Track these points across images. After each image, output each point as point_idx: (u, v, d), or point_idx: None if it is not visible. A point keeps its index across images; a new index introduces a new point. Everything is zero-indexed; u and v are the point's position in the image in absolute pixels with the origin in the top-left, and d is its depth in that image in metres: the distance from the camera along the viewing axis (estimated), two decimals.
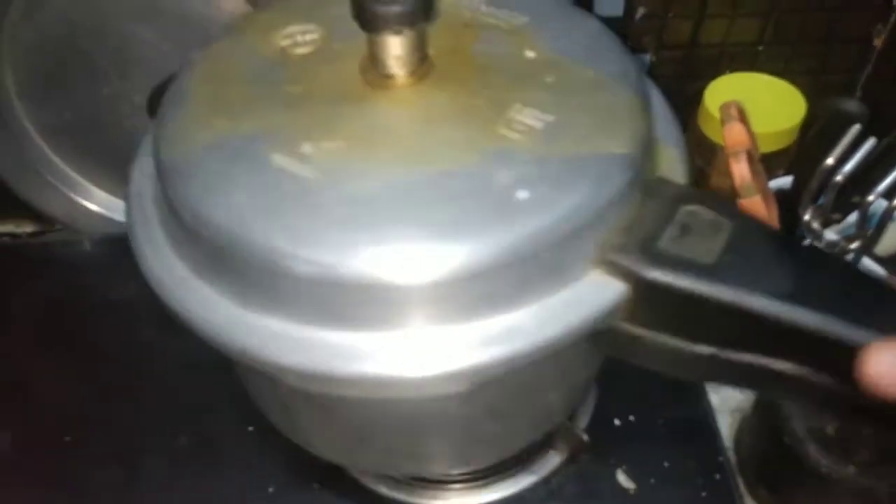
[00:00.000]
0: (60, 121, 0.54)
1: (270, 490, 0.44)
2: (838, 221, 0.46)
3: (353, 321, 0.26)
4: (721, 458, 0.44)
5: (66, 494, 0.45)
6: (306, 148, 0.27)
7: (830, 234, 0.44)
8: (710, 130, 0.52)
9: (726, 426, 0.46)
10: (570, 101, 0.28)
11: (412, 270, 0.25)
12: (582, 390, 0.37)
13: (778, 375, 0.26)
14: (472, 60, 0.30)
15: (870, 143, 0.40)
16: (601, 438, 0.44)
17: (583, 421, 0.45)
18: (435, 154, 0.27)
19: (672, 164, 0.30)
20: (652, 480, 0.43)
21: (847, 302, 0.25)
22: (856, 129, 0.40)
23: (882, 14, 0.56)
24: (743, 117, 0.44)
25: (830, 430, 0.40)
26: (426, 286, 0.25)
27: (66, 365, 0.51)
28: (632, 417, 0.46)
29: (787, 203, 0.45)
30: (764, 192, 0.42)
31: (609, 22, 0.33)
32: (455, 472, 0.41)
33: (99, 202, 0.58)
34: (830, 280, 0.26)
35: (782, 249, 0.26)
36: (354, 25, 0.27)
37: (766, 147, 0.49)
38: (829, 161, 0.40)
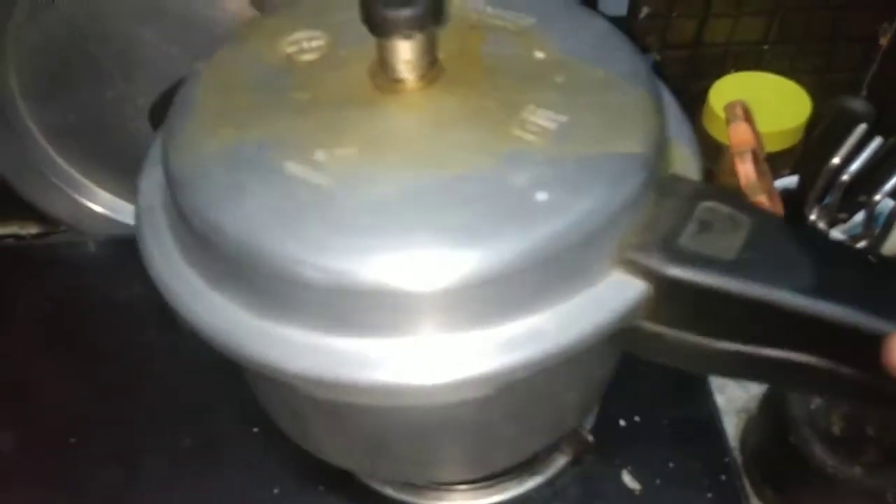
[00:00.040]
0: (64, 122, 0.54)
1: (275, 491, 0.44)
2: (844, 221, 0.45)
3: (373, 329, 0.26)
4: (727, 459, 0.44)
5: (71, 495, 0.45)
6: (319, 155, 0.27)
7: (836, 234, 0.43)
8: (715, 130, 0.52)
9: (732, 426, 0.46)
10: (582, 101, 0.28)
11: (430, 277, 0.25)
12: (599, 392, 0.37)
13: (801, 369, 0.26)
14: (480, 63, 0.30)
15: (876, 143, 0.40)
16: (606, 439, 0.44)
17: (588, 422, 0.45)
18: (448, 158, 0.27)
19: (685, 162, 0.30)
20: (657, 481, 0.43)
21: (870, 293, 0.25)
22: (862, 128, 0.40)
23: (888, 13, 0.56)
24: (748, 117, 0.43)
25: (837, 430, 0.40)
26: (444, 292, 0.25)
27: (71, 366, 0.51)
28: (637, 418, 0.46)
29: (793, 203, 0.45)
30: (769, 191, 0.42)
31: (613, 22, 0.33)
32: (468, 477, 0.41)
33: (103, 203, 0.58)
34: (852, 272, 0.26)
35: (802, 243, 0.26)
36: (360, 31, 0.27)
37: (772, 146, 0.49)
38: (835, 161, 0.40)
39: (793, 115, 0.52)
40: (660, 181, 0.28)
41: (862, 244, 0.42)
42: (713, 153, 0.53)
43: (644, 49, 0.58)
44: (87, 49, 0.50)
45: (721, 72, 0.56)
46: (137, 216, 0.31)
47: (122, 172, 0.56)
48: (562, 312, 0.26)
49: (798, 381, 0.27)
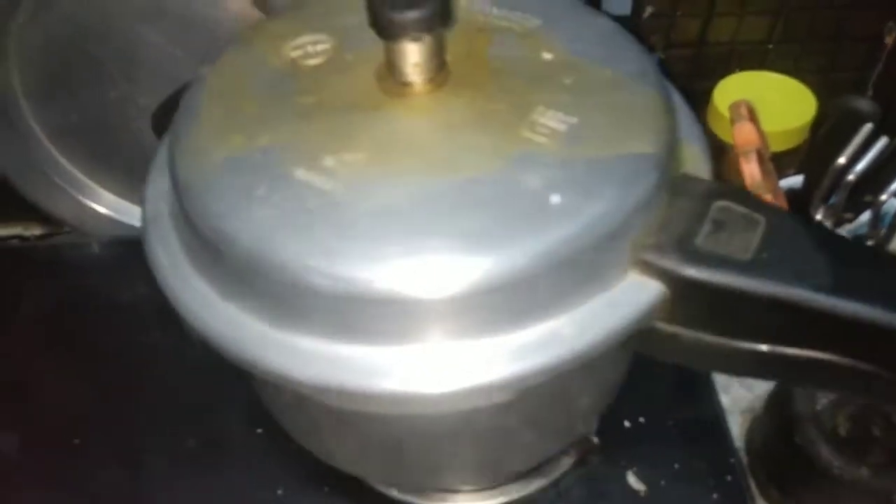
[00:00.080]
0: (67, 122, 0.54)
1: (279, 492, 0.44)
2: (850, 221, 0.45)
3: (383, 336, 0.25)
4: (732, 460, 0.44)
5: (73, 496, 0.45)
6: (328, 161, 0.27)
7: (843, 234, 0.43)
8: (720, 129, 0.52)
9: (737, 427, 0.46)
10: (592, 102, 0.28)
11: (442, 283, 0.24)
12: (611, 395, 0.37)
13: (821, 366, 0.26)
14: (488, 65, 0.30)
15: (882, 143, 0.40)
16: (611, 440, 0.44)
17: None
18: (458, 162, 0.26)
19: (695, 161, 0.30)
20: (662, 482, 0.43)
21: (889, 290, 0.25)
22: (867, 128, 0.40)
23: (893, 12, 0.56)
24: (753, 116, 0.43)
25: (843, 430, 0.40)
26: (456, 299, 0.25)
27: (74, 366, 0.51)
28: (642, 419, 0.46)
29: (798, 202, 0.45)
30: (774, 191, 0.42)
31: (616, 20, 0.33)
32: (480, 484, 0.41)
33: (107, 204, 0.57)
34: (870, 269, 0.26)
35: (819, 241, 0.26)
36: (366, 34, 0.27)
37: (777, 146, 0.49)
38: (841, 160, 0.40)
39: (797, 114, 0.51)
40: (672, 181, 0.28)
41: (868, 244, 0.42)
42: (718, 153, 0.53)
43: (648, 48, 0.58)
44: (89, 49, 0.50)
45: (725, 71, 0.55)
46: (144, 225, 0.31)
47: (125, 173, 0.56)
48: (577, 317, 0.26)
49: (818, 379, 0.27)
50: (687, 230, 0.26)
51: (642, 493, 0.43)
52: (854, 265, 0.26)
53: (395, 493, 0.43)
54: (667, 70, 0.58)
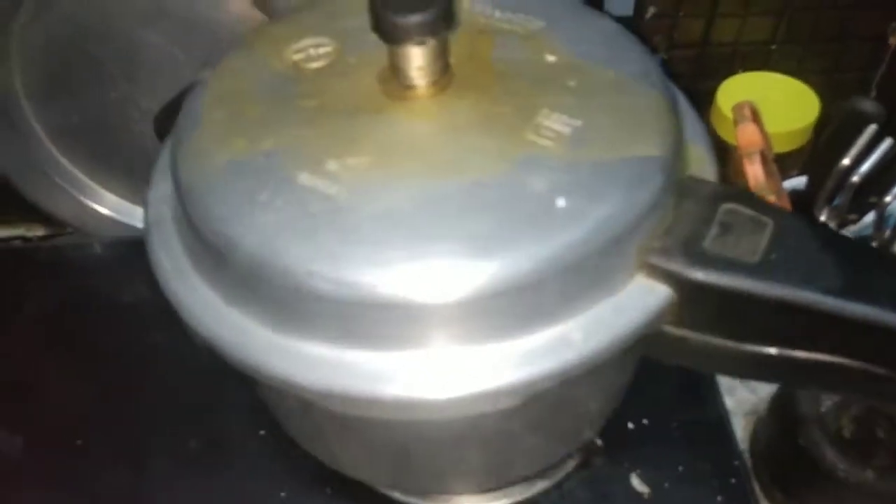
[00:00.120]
0: (68, 123, 0.54)
1: (282, 495, 0.44)
2: (854, 222, 0.45)
3: (388, 341, 0.25)
4: (736, 462, 0.44)
5: (76, 497, 0.45)
6: (331, 165, 0.26)
7: (847, 235, 0.43)
8: (723, 130, 0.52)
9: (741, 429, 0.46)
10: (596, 104, 0.28)
11: (447, 288, 0.24)
12: (618, 398, 0.37)
13: (833, 369, 0.26)
14: (491, 67, 0.30)
15: (886, 144, 0.40)
16: (615, 442, 0.44)
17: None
18: (463, 165, 0.26)
19: (700, 163, 0.30)
20: (666, 484, 0.43)
21: None
22: (872, 129, 0.40)
23: None
24: (756, 117, 0.43)
25: (847, 432, 0.39)
26: (461, 304, 0.24)
27: (76, 367, 0.51)
28: (645, 421, 0.46)
29: (802, 203, 0.45)
30: (778, 192, 0.42)
31: (619, 21, 0.33)
32: (486, 488, 0.41)
33: (109, 205, 0.58)
34: (879, 271, 0.26)
35: (827, 243, 0.26)
36: (368, 37, 0.27)
37: (780, 147, 0.48)
38: (845, 162, 0.40)
39: (801, 115, 0.51)
40: (678, 184, 0.27)
41: (873, 245, 0.42)
42: (721, 154, 0.52)
43: (651, 49, 0.58)
44: (90, 50, 0.50)
45: (729, 72, 0.55)
46: (147, 229, 0.31)
47: (126, 174, 0.56)
48: (584, 321, 0.25)
49: (828, 383, 0.27)
50: (694, 233, 0.26)
51: (646, 496, 0.43)
52: (863, 267, 0.26)
53: (397, 495, 0.43)
54: (669, 71, 0.58)
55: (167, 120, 0.33)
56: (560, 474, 0.44)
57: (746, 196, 0.27)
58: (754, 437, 0.46)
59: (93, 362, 0.51)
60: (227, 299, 0.27)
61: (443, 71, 0.28)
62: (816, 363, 0.26)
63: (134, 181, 0.56)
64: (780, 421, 0.43)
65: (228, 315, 0.27)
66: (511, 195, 0.25)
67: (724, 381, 0.47)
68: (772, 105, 0.48)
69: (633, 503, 0.43)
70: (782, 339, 0.26)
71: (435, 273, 0.24)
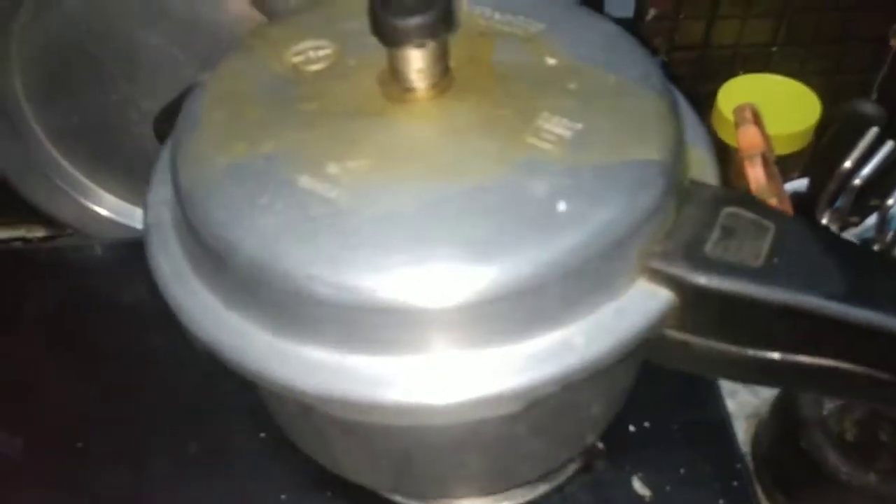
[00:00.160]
0: (69, 125, 0.54)
1: (283, 497, 0.44)
2: (856, 224, 0.45)
3: (389, 346, 0.25)
4: (738, 465, 0.44)
5: (76, 498, 0.44)
6: (331, 168, 0.26)
7: (849, 238, 0.43)
8: (724, 133, 0.52)
9: (742, 431, 0.46)
10: (597, 107, 0.28)
11: (448, 292, 0.24)
12: (621, 402, 0.37)
13: (836, 374, 0.26)
14: (492, 70, 0.29)
15: (888, 147, 0.40)
16: (616, 445, 0.44)
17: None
18: (463, 168, 0.26)
19: (701, 166, 0.30)
20: (668, 487, 0.43)
21: None
22: (873, 132, 0.40)
23: None
24: (757, 120, 0.43)
25: (850, 436, 0.39)
26: (462, 308, 0.24)
27: (77, 368, 0.50)
28: (647, 424, 0.46)
29: (804, 206, 0.45)
30: (780, 195, 0.42)
31: (619, 24, 0.33)
32: (489, 492, 0.41)
33: (109, 207, 0.58)
34: (882, 276, 0.26)
35: (830, 248, 0.26)
36: (368, 39, 0.27)
37: (781, 149, 0.48)
38: (847, 164, 0.40)
39: (802, 117, 0.51)
40: (680, 187, 0.27)
41: (874, 248, 0.41)
42: (722, 156, 0.52)
43: (651, 51, 0.58)
44: (90, 51, 0.50)
45: (729, 74, 0.55)
46: (146, 232, 0.30)
47: (126, 175, 0.56)
48: (585, 326, 0.25)
49: (831, 388, 0.27)
50: (695, 237, 0.26)
51: (647, 499, 0.43)
52: (865, 272, 0.26)
53: (399, 498, 0.43)
54: (670, 73, 0.58)
55: (167, 121, 0.33)
56: (561, 478, 0.43)
57: (748, 200, 0.27)
58: (756, 440, 0.45)
59: (93, 363, 0.51)
60: (226, 303, 0.27)
61: (443, 73, 0.28)
62: (819, 368, 0.26)
63: (134, 182, 0.56)
64: (782, 424, 0.42)
65: (228, 319, 0.27)
66: (512, 199, 0.25)
67: (726, 384, 0.47)
68: (773, 107, 0.48)
69: None
70: (785, 343, 0.26)
71: (436, 277, 0.24)
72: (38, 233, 0.60)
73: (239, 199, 0.26)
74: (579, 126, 0.27)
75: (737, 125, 0.42)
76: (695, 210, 0.27)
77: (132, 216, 0.57)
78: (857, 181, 0.40)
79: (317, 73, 0.31)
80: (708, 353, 0.27)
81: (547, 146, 0.26)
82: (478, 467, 0.35)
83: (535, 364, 0.25)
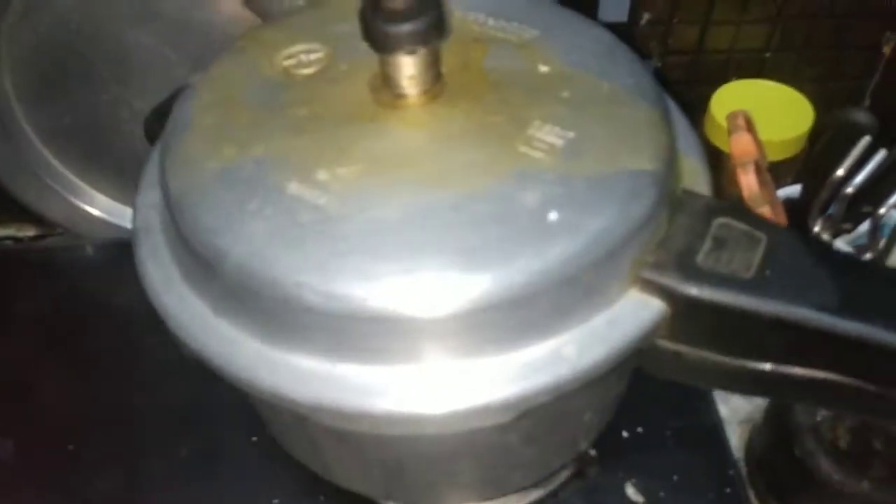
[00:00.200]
0: (60, 125, 0.53)
1: (275, 502, 0.44)
2: (848, 231, 0.45)
3: (379, 355, 0.25)
4: (731, 471, 0.44)
5: (69, 502, 0.44)
6: (321, 174, 0.26)
7: (841, 245, 0.43)
8: (717, 138, 0.52)
9: (736, 437, 0.46)
10: (589, 116, 0.28)
11: (438, 302, 0.24)
12: (613, 409, 0.37)
13: (826, 386, 0.26)
14: (484, 76, 0.29)
15: (880, 155, 0.40)
16: (609, 451, 0.44)
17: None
18: (455, 177, 0.26)
19: (694, 176, 0.30)
20: (661, 494, 0.43)
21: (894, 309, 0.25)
22: (865, 140, 0.40)
23: (891, 22, 0.56)
24: (750, 127, 0.43)
25: (843, 443, 0.39)
26: (453, 318, 0.24)
27: (68, 370, 0.50)
28: (640, 429, 0.45)
29: (796, 212, 0.45)
30: (772, 202, 0.42)
31: (613, 27, 0.32)
32: (481, 500, 0.41)
33: (100, 207, 0.57)
34: (874, 288, 0.26)
35: (821, 259, 0.26)
36: (360, 43, 0.26)
37: (774, 155, 0.48)
38: (839, 173, 0.40)
39: (795, 124, 0.51)
40: (672, 197, 0.27)
41: (867, 256, 0.41)
42: (715, 161, 0.52)
43: (645, 55, 0.58)
44: (81, 51, 0.49)
45: (723, 79, 0.55)
46: (135, 236, 0.30)
47: (117, 175, 0.56)
48: (577, 335, 0.25)
49: (822, 399, 0.27)
50: (687, 247, 0.26)
51: None
52: (857, 284, 0.26)
53: (391, 502, 0.43)
54: (663, 77, 0.58)
55: (157, 122, 0.32)
56: (555, 483, 0.43)
57: (740, 210, 0.27)
58: (749, 446, 0.45)
59: (84, 364, 0.50)
60: (215, 310, 0.27)
61: (434, 80, 0.28)
62: (810, 379, 0.26)
63: (125, 182, 0.55)
64: (775, 430, 0.42)
65: (217, 326, 0.27)
66: (503, 208, 0.25)
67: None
68: (766, 113, 0.48)
69: None
70: (776, 354, 0.26)
71: (427, 286, 0.24)
72: (29, 232, 0.60)
73: (228, 204, 0.26)
74: (571, 135, 0.27)
75: (730, 132, 0.42)
76: (687, 220, 0.27)
77: (123, 216, 0.56)
78: (849, 189, 0.40)
79: (308, 76, 0.30)
80: (699, 363, 0.27)
81: (539, 155, 0.26)
82: (470, 475, 0.35)
83: (527, 374, 0.25)
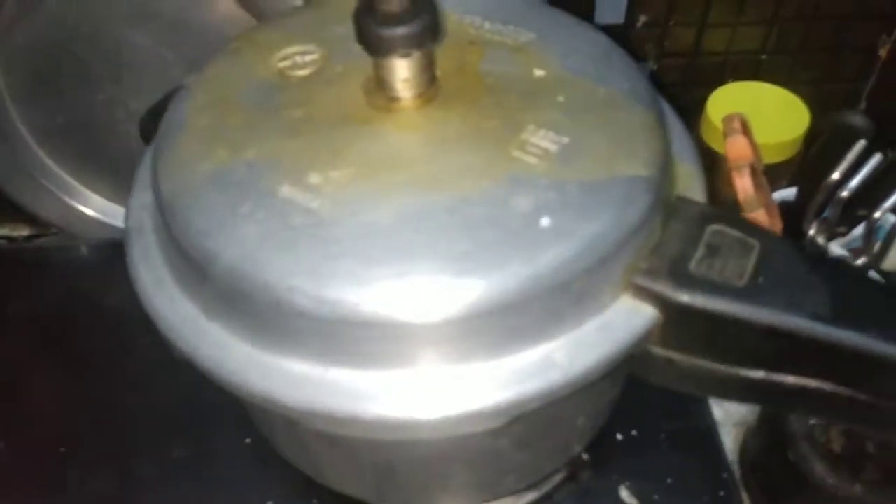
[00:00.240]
0: (55, 125, 0.53)
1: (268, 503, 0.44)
2: (843, 234, 0.45)
3: (371, 360, 0.25)
4: (725, 474, 0.44)
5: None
6: (314, 177, 0.26)
7: (836, 248, 0.43)
8: (713, 140, 0.52)
9: (730, 439, 0.46)
10: (584, 121, 0.28)
11: (431, 307, 0.24)
12: (606, 413, 0.37)
13: (818, 395, 0.26)
14: (479, 80, 0.29)
15: (875, 159, 0.40)
16: (603, 453, 0.44)
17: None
18: (448, 180, 0.26)
19: (689, 181, 0.30)
20: (655, 497, 0.43)
21: (888, 320, 0.25)
22: (861, 144, 0.40)
23: (887, 24, 0.56)
24: (746, 130, 0.43)
25: (836, 446, 0.39)
26: (446, 323, 0.24)
27: (62, 371, 0.50)
28: (634, 432, 0.45)
29: (791, 215, 0.45)
30: (768, 205, 0.42)
31: (609, 29, 0.32)
32: (472, 502, 0.41)
33: (95, 207, 0.57)
34: (867, 297, 0.26)
35: (815, 268, 0.26)
36: (355, 45, 0.26)
37: (770, 158, 0.48)
38: (835, 176, 0.40)
39: (791, 126, 0.51)
40: (666, 203, 0.27)
41: (862, 259, 0.42)
42: (711, 163, 0.52)
43: (642, 57, 0.58)
44: (76, 51, 0.49)
45: (719, 81, 0.55)
46: (127, 238, 0.30)
47: (113, 175, 0.56)
48: (569, 341, 0.25)
49: (814, 407, 0.27)
50: (680, 254, 0.26)
51: None
52: (851, 293, 0.26)
53: None
54: (659, 80, 0.58)
55: (153, 122, 0.32)
56: (548, 486, 0.43)
57: (734, 218, 0.27)
58: (744, 448, 0.45)
59: (77, 365, 0.50)
60: (207, 313, 0.27)
61: (429, 83, 0.28)
62: (803, 388, 0.26)
63: (120, 182, 0.55)
64: (769, 433, 0.42)
65: (208, 329, 0.27)
66: (496, 212, 0.25)
67: None
68: (762, 115, 0.48)
69: None
70: (769, 363, 0.26)
71: (419, 291, 0.24)
72: (23, 231, 0.59)
73: (219, 207, 0.26)
74: (566, 140, 0.27)
75: (725, 135, 0.42)
76: (680, 226, 0.27)
77: (118, 216, 0.55)
78: (844, 193, 0.40)
79: (303, 78, 0.30)
80: (691, 370, 0.27)
81: (532, 160, 0.26)
82: (462, 479, 0.35)
83: (518, 380, 0.25)
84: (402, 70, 0.27)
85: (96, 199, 0.57)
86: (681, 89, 0.58)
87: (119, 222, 0.55)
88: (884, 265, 0.42)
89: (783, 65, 0.58)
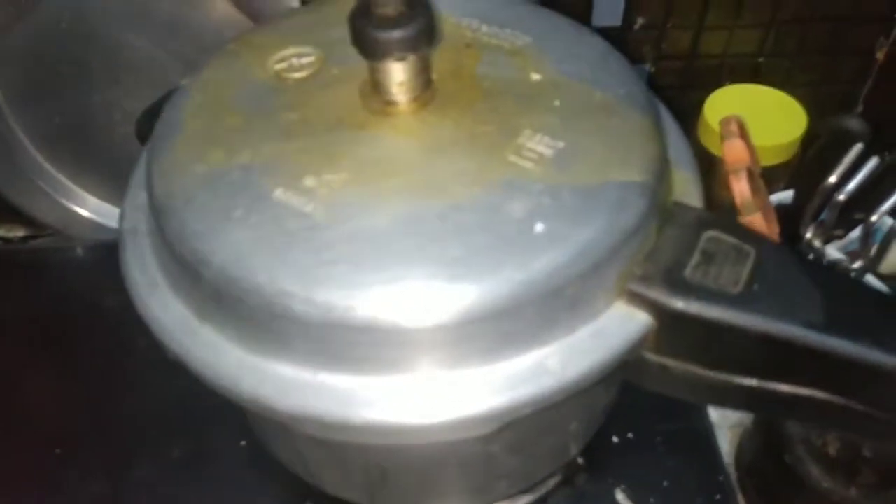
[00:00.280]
0: (51, 126, 0.53)
1: None
2: (840, 237, 0.45)
3: (365, 365, 0.25)
4: (721, 477, 0.44)
5: None
6: (308, 181, 0.26)
7: (833, 252, 0.43)
8: (710, 143, 0.52)
9: (726, 442, 0.46)
10: (580, 125, 0.28)
11: (425, 312, 0.24)
12: (601, 418, 0.37)
13: (812, 404, 0.26)
14: (476, 84, 0.29)
15: (872, 163, 0.40)
16: (599, 456, 0.44)
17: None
18: (443, 185, 0.26)
19: (685, 186, 0.29)
20: (651, 500, 0.43)
21: (883, 329, 0.25)
22: (858, 148, 0.40)
23: (885, 27, 0.56)
24: (743, 133, 0.43)
25: (832, 450, 0.39)
26: (439, 328, 0.24)
27: (58, 372, 0.50)
28: (630, 434, 0.45)
29: (788, 217, 0.45)
30: (765, 208, 0.42)
31: (607, 32, 0.32)
32: None
33: (91, 208, 0.57)
34: (862, 305, 0.26)
35: (810, 276, 0.26)
36: (352, 48, 0.26)
37: (767, 160, 0.48)
38: (831, 180, 0.40)
39: (789, 129, 0.51)
40: (662, 209, 0.27)
41: (859, 262, 0.41)
42: (708, 166, 0.53)
43: (639, 60, 0.58)
44: (73, 53, 0.49)
45: (716, 83, 0.55)
46: (121, 240, 0.30)
47: (109, 177, 0.56)
48: (563, 347, 0.25)
49: (808, 416, 0.27)
50: (675, 261, 0.26)
51: None
52: (845, 301, 0.26)
53: None
54: (655, 82, 0.58)
55: (149, 124, 0.32)
56: (543, 489, 0.43)
57: (730, 224, 0.27)
58: (740, 451, 0.45)
59: (74, 366, 0.50)
60: (199, 316, 0.27)
61: (425, 86, 0.28)
62: (796, 396, 0.26)
63: (116, 184, 0.54)
64: (765, 436, 0.42)
65: (201, 332, 0.27)
66: (491, 218, 0.25)
67: None
68: (759, 118, 0.48)
69: None
70: (763, 371, 0.26)
71: (413, 296, 0.24)
72: (18, 232, 0.59)
73: (213, 210, 0.26)
74: (561, 144, 0.27)
75: (723, 138, 0.42)
76: (676, 232, 0.27)
77: (114, 218, 0.55)
78: (841, 196, 0.40)
79: (299, 81, 0.30)
80: (685, 377, 0.27)
81: (528, 165, 0.26)
82: (455, 483, 0.35)
83: (511, 386, 0.25)
84: (398, 73, 0.27)
85: (92, 200, 0.57)
86: (678, 92, 0.58)
87: (115, 224, 0.55)
88: (881, 268, 0.42)
89: (780, 67, 0.58)
